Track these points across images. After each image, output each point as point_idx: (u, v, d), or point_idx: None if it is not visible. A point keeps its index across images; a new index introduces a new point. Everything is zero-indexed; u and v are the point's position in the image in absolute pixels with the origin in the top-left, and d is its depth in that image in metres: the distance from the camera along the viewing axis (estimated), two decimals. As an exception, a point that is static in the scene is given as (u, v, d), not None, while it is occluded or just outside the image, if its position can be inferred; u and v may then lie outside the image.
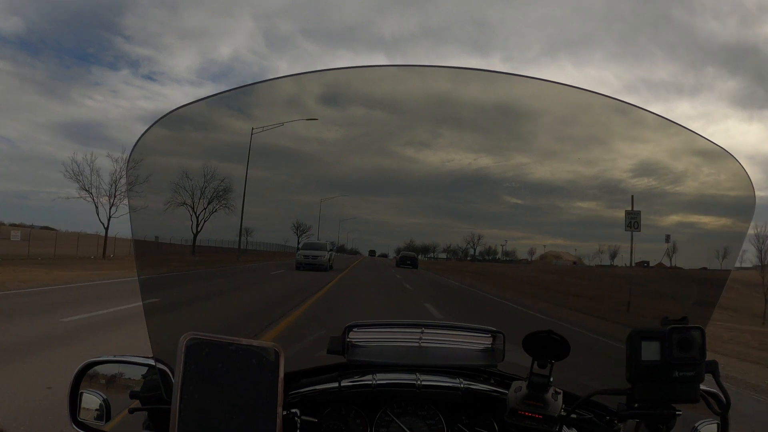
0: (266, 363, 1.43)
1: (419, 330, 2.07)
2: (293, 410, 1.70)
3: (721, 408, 1.68)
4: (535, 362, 1.71)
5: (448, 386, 1.88)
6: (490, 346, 2.06)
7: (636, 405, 1.59)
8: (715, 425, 1.90)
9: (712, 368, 1.59)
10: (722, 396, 1.67)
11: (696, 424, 1.94)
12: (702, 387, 1.87)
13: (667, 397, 1.56)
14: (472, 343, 2.07)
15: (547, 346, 1.70)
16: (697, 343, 1.54)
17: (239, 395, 1.41)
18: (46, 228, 65.08)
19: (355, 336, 2.01)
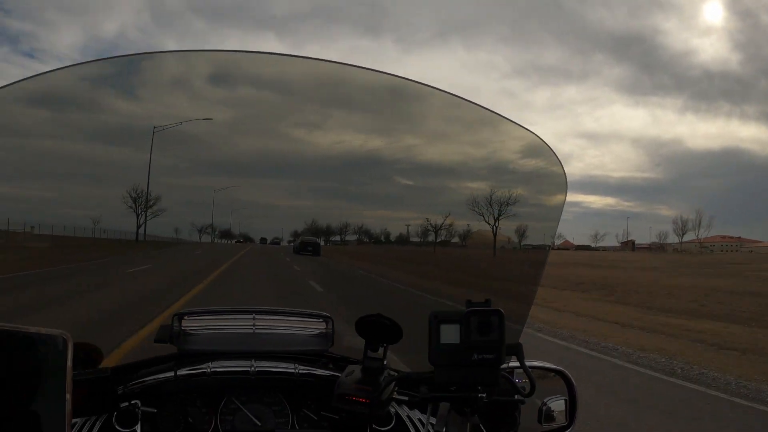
0: (54, 351, 1.32)
1: (251, 316, 2.02)
2: (134, 401, 1.65)
3: (532, 391, 1.66)
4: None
5: (283, 371, 1.84)
6: (323, 330, 2.04)
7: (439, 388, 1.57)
8: (563, 401, 1.95)
9: (516, 351, 1.59)
10: (528, 379, 1.66)
11: (545, 400, 1.94)
12: (545, 365, 1.96)
13: (466, 380, 1.54)
14: (304, 328, 2.05)
15: (377, 330, 1.68)
16: (496, 326, 1.52)
17: (23, 385, 1.30)
18: None
19: (188, 324, 1.94)
